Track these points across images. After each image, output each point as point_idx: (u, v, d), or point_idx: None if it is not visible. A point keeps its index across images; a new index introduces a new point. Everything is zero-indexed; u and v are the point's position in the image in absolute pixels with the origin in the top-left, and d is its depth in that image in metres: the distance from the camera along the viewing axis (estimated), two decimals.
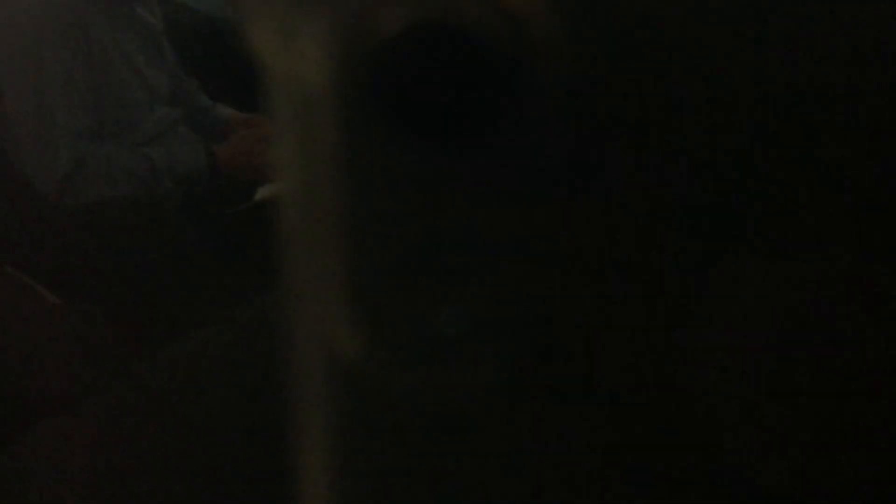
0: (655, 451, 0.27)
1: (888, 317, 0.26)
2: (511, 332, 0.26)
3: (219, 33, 1.94)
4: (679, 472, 0.27)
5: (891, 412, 0.27)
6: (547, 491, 0.28)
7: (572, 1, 0.25)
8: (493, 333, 0.26)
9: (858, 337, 0.26)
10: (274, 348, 0.30)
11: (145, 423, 1.11)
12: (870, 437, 0.27)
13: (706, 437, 0.27)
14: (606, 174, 0.26)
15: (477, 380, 0.27)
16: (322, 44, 0.25)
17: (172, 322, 1.38)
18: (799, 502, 0.27)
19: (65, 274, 1.46)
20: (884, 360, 0.26)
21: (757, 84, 0.25)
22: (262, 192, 1.73)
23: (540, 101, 0.25)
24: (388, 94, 0.24)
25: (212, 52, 1.90)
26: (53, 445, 1.13)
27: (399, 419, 0.28)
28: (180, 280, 1.57)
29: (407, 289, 0.26)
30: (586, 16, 0.25)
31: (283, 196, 0.28)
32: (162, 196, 1.68)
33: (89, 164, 1.63)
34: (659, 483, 0.27)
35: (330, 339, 0.27)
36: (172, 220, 1.65)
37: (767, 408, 0.27)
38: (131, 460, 1.09)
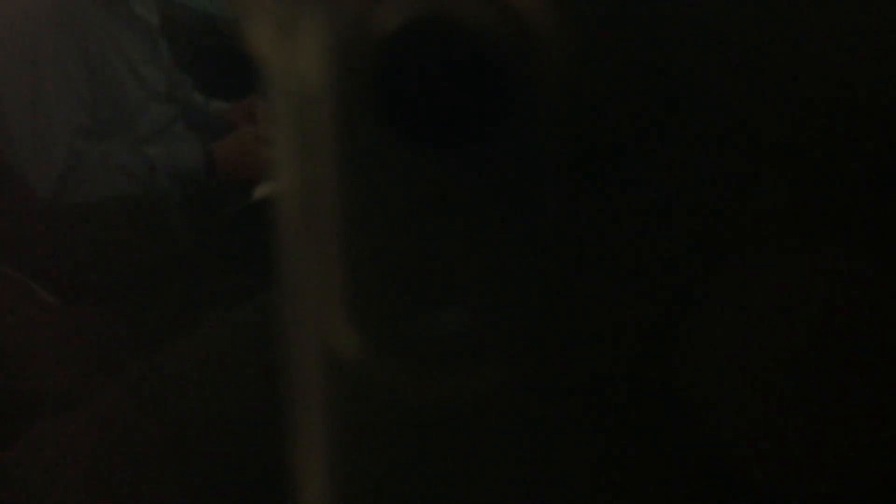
0: (656, 451, 0.27)
1: (888, 316, 0.26)
2: (511, 331, 0.26)
3: (217, 31, 1.94)
4: (680, 471, 0.27)
5: (891, 412, 0.27)
6: (547, 490, 0.28)
7: None
8: (493, 333, 0.26)
9: (858, 336, 0.26)
10: (273, 348, 0.30)
11: (144, 423, 1.11)
12: (870, 437, 0.27)
13: (707, 437, 0.27)
14: (607, 173, 0.26)
15: (477, 380, 0.27)
16: (320, 41, 0.25)
17: (170, 322, 1.38)
18: (799, 502, 0.27)
19: (62, 274, 1.46)
20: (884, 359, 0.26)
21: (757, 84, 0.25)
22: (260, 191, 1.74)
23: (540, 98, 0.25)
24: (386, 92, 0.24)
25: (210, 50, 1.90)
26: (52, 445, 1.13)
27: (398, 419, 0.28)
28: (178, 279, 1.57)
29: (406, 289, 0.26)
30: (588, 13, 0.25)
31: (281, 195, 0.28)
32: (159, 195, 1.68)
33: (86, 162, 1.63)
34: (659, 482, 0.27)
35: (329, 339, 0.27)
36: (170, 219, 1.65)
37: (768, 407, 0.27)
38: (130, 460, 1.09)
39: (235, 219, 1.72)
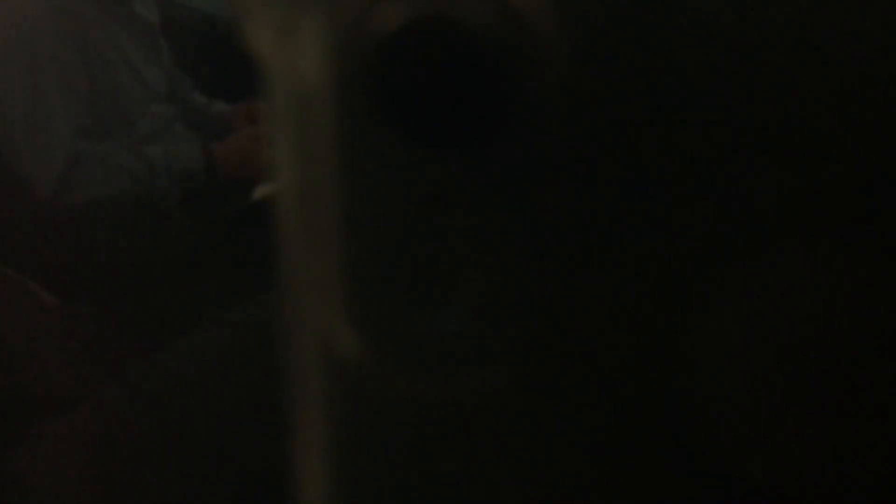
0: (656, 450, 0.27)
1: (888, 316, 0.26)
2: (510, 332, 0.26)
3: (217, 32, 1.94)
4: (679, 470, 0.27)
5: (891, 411, 0.27)
6: (546, 489, 0.28)
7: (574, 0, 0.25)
8: (493, 333, 0.26)
9: (858, 335, 0.26)
10: (273, 348, 0.30)
11: (143, 424, 1.11)
12: (870, 436, 0.27)
13: (707, 436, 0.27)
14: (607, 174, 0.26)
15: (476, 380, 0.27)
16: (320, 42, 0.25)
17: (170, 322, 1.38)
18: (798, 500, 0.27)
19: (62, 274, 1.46)
20: (884, 358, 0.26)
21: (756, 84, 0.25)
22: (259, 191, 1.73)
23: (540, 98, 0.25)
24: (386, 92, 0.24)
25: (210, 50, 1.90)
26: (52, 445, 1.13)
27: (398, 418, 0.28)
28: (177, 279, 1.56)
29: (406, 289, 0.26)
30: (587, 13, 0.25)
31: (281, 195, 0.28)
32: (159, 195, 1.68)
33: (85, 162, 1.63)
34: (659, 481, 0.27)
35: (329, 340, 0.27)
36: (170, 219, 1.65)
37: (768, 406, 0.27)
38: (129, 460, 1.09)
39: (235, 219, 1.72)
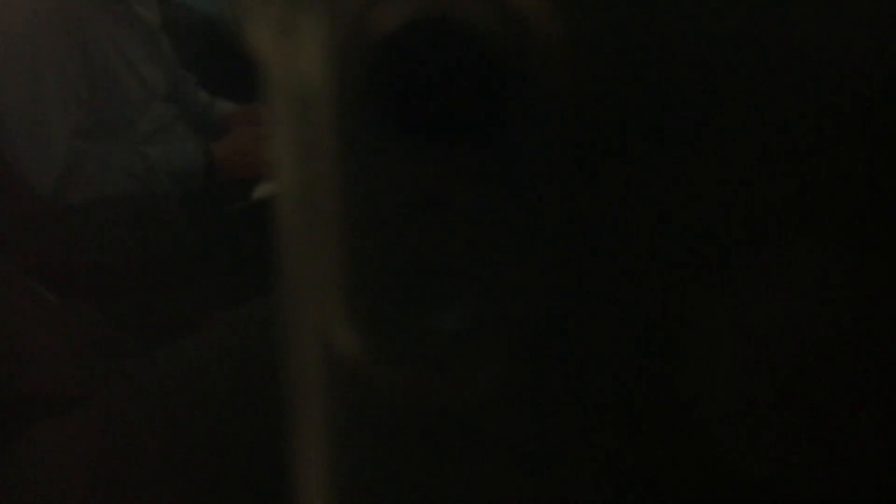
0: (656, 452, 0.27)
1: (888, 316, 0.26)
2: (511, 332, 0.26)
3: (217, 32, 1.94)
4: (680, 473, 0.27)
5: (891, 412, 0.27)
6: (546, 491, 0.28)
7: None
8: (493, 333, 0.26)
9: (858, 336, 0.26)
10: (273, 348, 0.30)
11: (144, 423, 1.11)
12: (870, 437, 0.27)
13: (708, 439, 0.27)
14: (608, 174, 0.26)
15: (477, 380, 0.27)
16: (321, 41, 0.25)
17: (171, 322, 1.38)
18: (799, 502, 0.27)
19: (62, 273, 1.46)
20: (884, 359, 0.26)
21: (758, 84, 0.25)
22: (259, 191, 1.74)
23: (542, 99, 0.25)
24: (386, 92, 0.24)
25: (210, 50, 1.90)
26: (52, 445, 1.13)
27: (398, 419, 0.28)
28: (178, 279, 1.56)
29: (406, 288, 0.26)
30: (589, 12, 0.25)
31: (280, 195, 0.28)
32: (159, 195, 1.68)
33: (85, 162, 1.63)
34: (659, 484, 0.27)
35: (329, 339, 0.27)
36: (169, 219, 1.65)
37: (769, 409, 0.27)
38: (130, 460, 1.09)
39: (235, 218, 1.72)
